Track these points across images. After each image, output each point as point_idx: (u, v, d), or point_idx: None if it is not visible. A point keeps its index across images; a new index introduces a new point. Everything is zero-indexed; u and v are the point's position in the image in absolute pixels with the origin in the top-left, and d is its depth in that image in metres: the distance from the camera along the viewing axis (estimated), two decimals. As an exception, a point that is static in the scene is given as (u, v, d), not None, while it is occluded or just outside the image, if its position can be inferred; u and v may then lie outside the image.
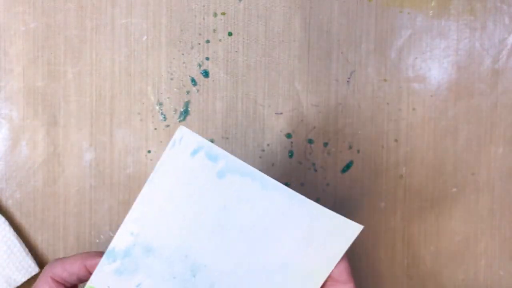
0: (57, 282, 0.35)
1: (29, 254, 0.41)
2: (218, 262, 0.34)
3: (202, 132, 0.43)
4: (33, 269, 0.41)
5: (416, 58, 0.43)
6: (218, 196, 0.33)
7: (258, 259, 0.34)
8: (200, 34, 0.42)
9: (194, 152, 0.33)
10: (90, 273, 0.35)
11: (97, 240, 0.42)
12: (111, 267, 0.34)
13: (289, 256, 0.34)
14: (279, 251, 0.34)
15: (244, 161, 0.43)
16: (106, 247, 0.42)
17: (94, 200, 0.42)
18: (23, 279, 0.40)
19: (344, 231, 0.34)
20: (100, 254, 0.35)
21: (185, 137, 0.33)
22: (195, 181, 0.33)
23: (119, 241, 0.34)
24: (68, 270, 0.35)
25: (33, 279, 0.41)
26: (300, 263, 0.34)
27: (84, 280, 0.35)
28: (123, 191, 0.42)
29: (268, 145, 0.43)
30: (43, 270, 0.35)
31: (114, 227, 0.42)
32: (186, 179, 0.33)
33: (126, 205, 0.42)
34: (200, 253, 0.34)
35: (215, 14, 0.42)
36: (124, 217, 0.42)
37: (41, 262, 0.42)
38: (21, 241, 0.41)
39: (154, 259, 0.34)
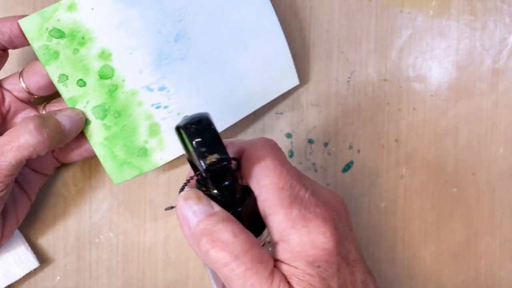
0: None
1: (29, 248, 0.41)
2: (200, 37, 0.36)
3: (202, 132, 0.43)
4: (33, 263, 0.41)
5: (416, 57, 0.43)
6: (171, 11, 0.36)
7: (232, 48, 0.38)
8: (200, 34, 0.42)
9: None
10: (24, 36, 0.34)
11: (97, 240, 0.42)
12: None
13: (240, 29, 0.38)
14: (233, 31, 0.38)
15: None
16: (106, 247, 0.42)
17: (94, 200, 0.42)
18: (22, 273, 0.40)
19: (286, 75, 0.39)
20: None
21: None
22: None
23: None
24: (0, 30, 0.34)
25: (36, 271, 0.42)
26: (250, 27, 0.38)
27: (18, 43, 0.35)
28: (123, 191, 0.42)
29: (268, 145, 0.43)
30: None
31: (114, 227, 0.42)
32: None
33: (125, 206, 0.42)
34: (190, 26, 0.36)
35: (215, 14, 0.42)
36: (124, 217, 0.43)
37: (41, 262, 0.42)
38: (21, 235, 0.41)
39: (155, 4, 0.35)
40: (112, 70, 0.35)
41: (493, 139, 0.44)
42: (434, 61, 0.43)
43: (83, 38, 0.34)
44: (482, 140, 0.44)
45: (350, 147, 0.43)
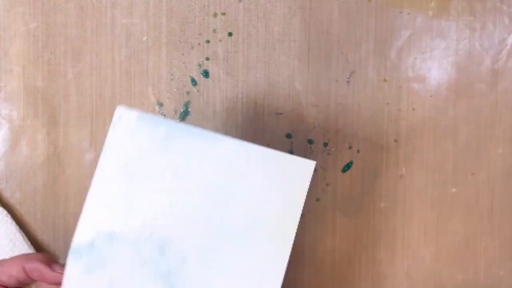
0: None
1: (32, 247, 0.41)
2: (184, 233, 0.33)
3: (202, 132, 0.43)
4: None
5: (416, 58, 0.43)
6: (168, 165, 0.33)
7: (225, 221, 0.33)
8: (200, 34, 0.42)
9: (135, 127, 0.32)
10: (30, 277, 0.34)
11: (97, 240, 0.42)
12: (79, 266, 0.32)
13: (254, 211, 0.33)
14: (244, 208, 0.33)
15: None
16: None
17: (94, 200, 0.42)
18: None
19: (299, 170, 0.33)
20: (39, 256, 0.35)
21: (124, 115, 0.32)
22: (143, 155, 0.33)
23: (81, 236, 0.33)
24: (6, 273, 0.34)
25: None
26: (267, 215, 0.33)
27: (25, 283, 0.35)
28: (123, 191, 0.42)
29: (268, 145, 0.43)
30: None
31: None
32: (133, 156, 0.33)
33: (126, 205, 0.42)
34: (164, 228, 0.33)
35: (215, 14, 0.42)
36: (124, 217, 0.42)
37: (41, 262, 0.42)
38: (24, 235, 0.41)
39: (120, 245, 0.33)
40: None
41: (492, 139, 0.44)
42: (433, 61, 0.44)
43: None
44: (481, 140, 0.44)
45: (350, 147, 0.43)
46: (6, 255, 0.40)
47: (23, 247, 0.40)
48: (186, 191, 0.33)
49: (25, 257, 0.35)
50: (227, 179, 0.33)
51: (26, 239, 0.41)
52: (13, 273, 0.34)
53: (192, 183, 0.33)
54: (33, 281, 0.36)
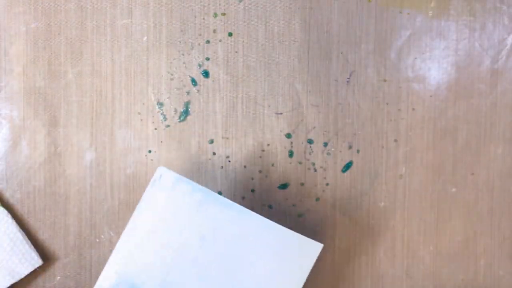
0: None
1: (32, 247, 0.41)
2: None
3: (202, 132, 0.43)
4: (36, 261, 0.41)
5: (415, 58, 0.43)
6: (196, 227, 0.36)
7: (235, 286, 0.36)
8: (200, 35, 0.42)
9: (173, 188, 0.36)
10: None
11: (97, 240, 0.42)
12: None
13: (262, 280, 0.36)
14: (253, 276, 0.36)
15: (244, 160, 0.43)
16: (107, 247, 0.42)
17: (95, 200, 0.42)
18: (26, 271, 0.40)
19: (307, 250, 0.36)
20: None
21: (164, 175, 0.36)
22: (175, 215, 0.36)
23: (104, 281, 0.35)
24: None
25: (36, 271, 0.42)
26: (272, 285, 0.36)
27: None
28: (123, 191, 0.42)
29: (268, 145, 0.43)
30: None
31: (114, 227, 0.42)
32: (166, 215, 0.36)
33: (126, 205, 0.42)
34: (181, 286, 0.36)
35: (215, 15, 0.42)
36: (124, 217, 0.43)
37: (41, 265, 0.42)
38: (24, 234, 0.41)
39: None
40: None
41: (492, 139, 0.44)
42: (433, 61, 0.44)
43: None
44: (481, 140, 0.44)
45: (350, 147, 0.43)
46: (7, 255, 0.40)
47: (24, 247, 0.41)
48: (207, 254, 0.36)
49: None
50: (244, 249, 0.36)
51: (27, 238, 0.41)
52: None
53: (214, 248, 0.36)
54: None
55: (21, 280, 0.41)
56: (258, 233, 0.36)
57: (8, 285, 0.40)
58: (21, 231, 0.41)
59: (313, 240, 0.36)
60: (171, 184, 0.36)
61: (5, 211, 0.41)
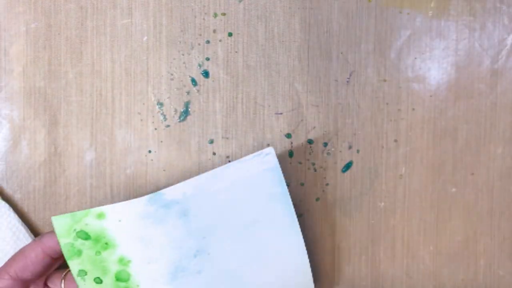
0: (45, 253, 0.37)
1: None
2: (220, 253, 0.38)
3: (202, 132, 0.43)
4: None
5: (415, 58, 0.43)
6: (252, 207, 0.38)
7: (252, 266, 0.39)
8: (200, 35, 0.42)
9: (270, 170, 0.38)
10: (53, 257, 0.37)
11: (98, 240, 0.42)
12: (143, 208, 0.37)
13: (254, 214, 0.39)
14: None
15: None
16: (107, 246, 0.42)
17: (95, 200, 0.42)
18: None
19: (266, 162, 0.38)
20: (50, 232, 0.37)
21: (270, 156, 0.38)
22: (256, 192, 0.38)
23: (171, 193, 0.37)
24: (58, 241, 0.36)
25: None
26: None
27: (45, 270, 0.37)
28: (123, 191, 0.42)
29: (268, 145, 0.43)
30: (33, 241, 0.37)
31: (115, 227, 0.42)
32: (248, 188, 0.38)
33: (126, 205, 0.42)
34: (212, 243, 0.38)
35: (215, 15, 0.42)
36: (124, 217, 0.43)
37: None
38: (27, 227, 0.41)
39: (180, 223, 0.37)
40: (129, 275, 0.37)
41: (491, 139, 0.44)
42: (433, 61, 0.44)
43: (106, 243, 0.37)
44: (481, 140, 0.44)
45: (350, 147, 0.43)
46: (10, 248, 0.40)
47: (27, 240, 0.41)
48: (237, 228, 0.39)
49: (38, 239, 0.37)
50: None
51: (29, 232, 0.41)
52: (29, 262, 0.37)
53: (239, 221, 0.39)
54: (57, 262, 0.38)
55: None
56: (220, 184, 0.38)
57: None
58: (23, 224, 0.41)
59: (260, 151, 0.38)
60: (268, 166, 0.38)
61: (7, 205, 0.41)
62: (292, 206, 0.38)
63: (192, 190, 0.37)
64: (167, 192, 0.37)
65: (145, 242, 0.37)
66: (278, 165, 0.38)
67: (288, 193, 0.38)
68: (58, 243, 0.36)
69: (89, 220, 0.36)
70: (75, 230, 0.36)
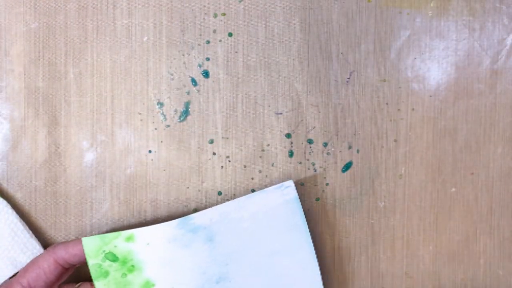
0: (57, 263, 0.38)
1: (33, 236, 0.41)
2: (241, 281, 0.39)
3: (202, 132, 0.43)
4: (38, 250, 0.41)
5: (415, 58, 0.43)
6: (272, 237, 0.40)
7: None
8: (200, 35, 0.43)
9: (290, 202, 0.40)
10: (66, 267, 0.38)
11: (98, 240, 0.42)
12: (174, 231, 0.38)
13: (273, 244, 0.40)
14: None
15: (244, 160, 0.43)
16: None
17: (95, 200, 0.42)
18: (28, 260, 0.41)
19: (284, 194, 0.40)
20: (64, 243, 0.38)
21: (289, 189, 0.40)
22: (277, 222, 0.40)
23: (200, 218, 0.39)
24: (70, 252, 0.38)
25: None
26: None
27: (85, 261, 0.38)
28: (123, 191, 0.42)
29: (268, 145, 0.43)
30: (46, 251, 0.38)
31: (115, 226, 0.42)
32: (269, 218, 0.40)
33: (126, 205, 0.42)
34: (234, 270, 0.39)
35: (215, 15, 0.43)
36: (124, 216, 0.43)
37: (42, 262, 0.42)
38: (25, 224, 0.41)
39: (205, 248, 0.38)
40: None
41: (491, 139, 0.44)
42: (432, 61, 0.44)
43: (132, 266, 0.38)
44: (480, 140, 0.44)
45: (350, 147, 0.43)
46: (8, 245, 0.40)
47: (24, 236, 0.41)
48: (253, 258, 0.40)
49: (51, 250, 0.38)
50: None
51: (27, 228, 0.41)
52: (77, 252, 0.38)
53: (253, 253, 0.40)
54: (68, 271, 0.39)
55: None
56: (241, 213, 0.40)
57: (11, 274, 0.40)
58: (22, 221, 0.41)
59: (281, 183, 0.40)
60: (289, 198, 0.40)
61: (5, 202, 0.41)
62: (310, 238, 0.40)
63: (218, 217, 0.39)
64: (196, 217, 0.39)
65: (170, 266, 0.38)
66: (297, 198, 0.40)
67: (307, 225, 0.40)
68: (70, 253, 0.37)
69: (118, 242, 0.38)
70: (103, 251, 0.37)
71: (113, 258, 0.38)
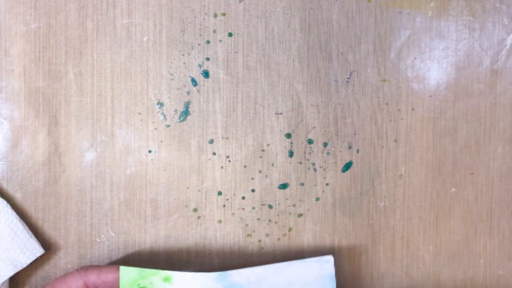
0: (87, 286, 0.37)
1: (33, 236, 0.41)
2: None
3: (202, 132, 0.43)
4: (38, 250, 0.41)
5: (415, 58, 0.44)
6: None
7: None
8: (200, 35, 0.43)
9: (326, 278, 0.40)
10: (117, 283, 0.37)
11: (98, 240, 0.42)
12: (210, 283, 0.38)
13: None
14: None
15: (244, 160, 0.43)
16: (107, 247, 0.42)
17: (95, 200, 0.42)
18: (28, 260, 0.40)
19: (320, 267, 0.41)
20: (94, 266, 0.38)
21: (328, 264, 0.40)
22: None
23: (238, 276, 0.39)
24: (102, 279, 0.37)
25: (38, 260, 0.42)
26: None
27: None
28: (124, 191, 0.42)
29: (268, 145, 0.43)
30: (77, 272, 0.37)
31: (115, 226, 0.42)
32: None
33: (126, 205, 0.42)
34: None
35: (215, 15, 0.43)
36: (124, 217, 0.43)
37: (42, 262, 0.42)
38: (25, 224, 0.41)
39: None
40: None
41: (491, 139, 0.44)
42: (432, 61, 0.44)
43: None
44: (480, 140, 0.44)
45: (350, 147, 0.43)
46: (8, 245, 0.40)
47: (24, 236, 0.41)
48: None
49: (82, 272, 0.38)
50: None
51: (27, 228, 0.41)
52: (109, 280, 0.37)
53: None
54: None
55: (22, 280, 0.42)
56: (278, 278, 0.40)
57: (11, 274, 0.40)
58: (21, 221, 0.41)
59: (321, 257, 0.40)
60: (324, 274, 0.40)
61: (4, 202, 0.41)
62: None
63: (255, 278, 0.39)
64: (233, 274, 0.39)
65: None
66: (334, 275, 0.40)
67: None
68: (101, 279, 0.37)
69: (155, 280, 0.38)
70: (138, 285, 0.38)
71: None
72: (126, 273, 0.37)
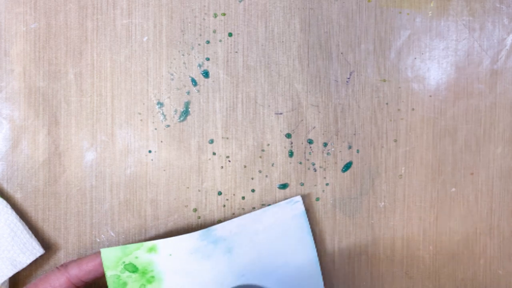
0: (70, 281, 0.37)
1: (33, 236, 0.41)
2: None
3: (202, 132, 0.43)
4: (38, 250, 0.41)
5: (415, 58, 0.44)
6: (282, 250, 0.41)
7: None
8: (200, 35, 0.43)
9: (298, 216, 0.41)
10: (85, 281, 0.37)
11: (98, 240, 0.42)
12: (195, 242, 0.38)
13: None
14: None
15: (244, 160, 0.43)
16: (107, 247, 0.42)
17: (95, 200, 0.42)
18: (28, 260, 0.40)
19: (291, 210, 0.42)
20: (75, 260, 0.38)
21: (298, 204, 0.41)
22: (285, 236, 0.41)
23: (221, 230, 0.39)
24: (84, 269, 0.37)
25: (38, 260, 0.42)
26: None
27: (99, 277, 0.38)
28: (123, 191, 0.42)
29: (268, 145, 0.43)
30: (57, 269, 0.37)
31: (115, 226, 0.42)
32: (279, 231, 0.41)
33: (126, 205, 0.42)
34: (249, 280, 0.40)
35: (215, 15, 0.43)
36: (124, 216, 0.43)
37: (42, 262, 0.42)
38: (24, 224, 0.41)
39: (224, 260, 0.39)
40: None
41: (491, 139, 0.44)
42: (432, 61, 0.44)
43: (152, 277, 0.38)
44: (480, 140, 0.44)
45: (350, 147, 0.43)
46: (8, 245, 0.40)
47: (24, 236, 0.41)
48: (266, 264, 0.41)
49: (63, 268, 0.37)
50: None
51: (27, 228, 0.41)
52: (91, 268, 0.37)
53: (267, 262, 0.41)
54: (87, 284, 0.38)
55: (22, 280, 0.42)
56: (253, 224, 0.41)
57: (11, 274, 0.40)
58: (21, 221, 0.41)
59: (291, 198, 0.42)
60: (297, 213, 0.41)
61: (4, 202, 0.41)
62: (315, 252, 0.41)
63: (236, 229, 0.40)
64: (218, 228, 0.39)
65: (190, 277, 0.38)
66: (305, 213, 0.41)
67: (313, 240, 0.41)
68: (84, 270, 0.37)
69: (140, 253, 0.38)
70: (123, 262, 0.37)
71: (133, 269, 0.38)
72: (108, 254, 0.37)
